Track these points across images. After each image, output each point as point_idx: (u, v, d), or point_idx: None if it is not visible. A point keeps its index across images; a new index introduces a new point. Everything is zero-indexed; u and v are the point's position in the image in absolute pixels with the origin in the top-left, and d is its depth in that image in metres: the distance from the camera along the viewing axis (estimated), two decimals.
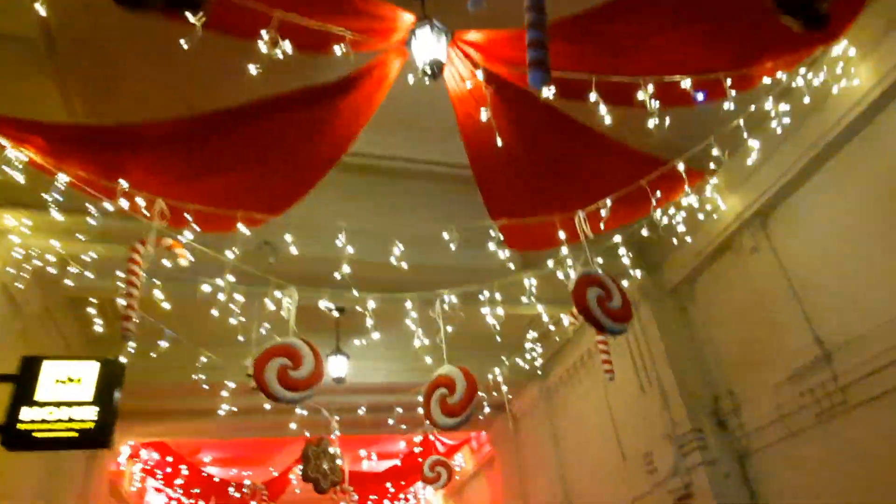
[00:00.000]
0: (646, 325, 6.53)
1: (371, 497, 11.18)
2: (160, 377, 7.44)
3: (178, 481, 9.17)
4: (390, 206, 6.54)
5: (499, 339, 5.78)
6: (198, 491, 9.31)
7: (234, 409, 7.82)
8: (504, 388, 7.36)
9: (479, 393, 6.27)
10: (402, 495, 12.51)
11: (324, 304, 5.29)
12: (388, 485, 11.40)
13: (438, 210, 6.31)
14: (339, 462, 6.00)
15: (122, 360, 5.00)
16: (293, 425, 8.19)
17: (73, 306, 6.68)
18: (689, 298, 6.42)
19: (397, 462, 10.62)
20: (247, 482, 9.07)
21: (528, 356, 7.43)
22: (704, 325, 6.21)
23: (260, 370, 3.76)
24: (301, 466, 5.71)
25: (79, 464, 7.51)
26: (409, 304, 6.14)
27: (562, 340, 8.02)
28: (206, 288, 4.96)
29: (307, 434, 10.97)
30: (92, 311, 5.92)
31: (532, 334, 7.23)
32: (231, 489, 9.13)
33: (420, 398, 4.43)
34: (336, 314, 5.99)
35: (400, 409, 8.14)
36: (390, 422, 8.27)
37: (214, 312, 5.22)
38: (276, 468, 10.87)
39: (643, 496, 6.38)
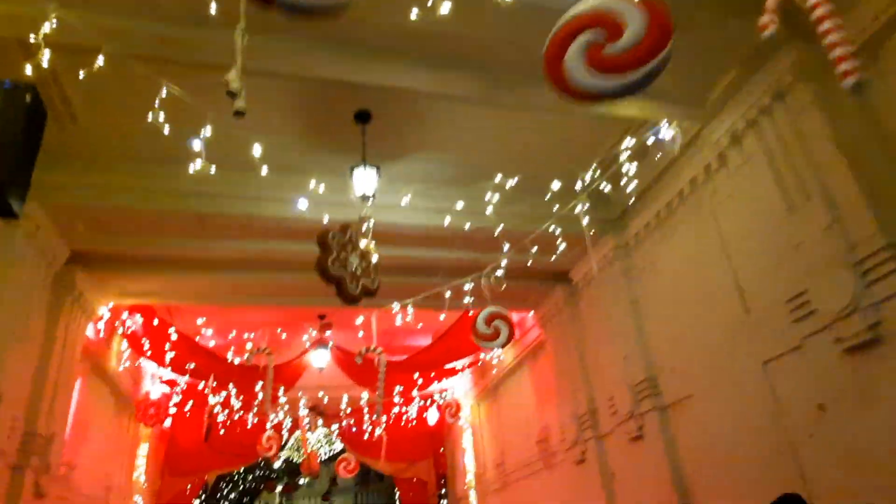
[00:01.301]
0: (799, 114, 4.60)
1: (395, 388, 9.73)
2: (139, 202, 5.70)
3: (169, 355, 7.63)
4: None
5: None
6: (192, 366, 7.80)
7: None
8: (585, 222, 5.56)
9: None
10: (430, 391, 11.09)
11: None
12: (416, 375, 9.91)
13: None
14: (374, 261, 4.26)
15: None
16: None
17: None
18: (872, 65, 4.37)
19: (431, 342, 9.11)
20: (248, 346, 7.51)
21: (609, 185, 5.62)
22: None
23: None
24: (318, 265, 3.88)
25: (35, 321, 5.87)
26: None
27: (651, 175, 6.16)
28: None
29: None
30: None
31: (628, 144, 5.36)
32: (229, 355, 7.67)
33: None
34: None
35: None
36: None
37: None
38: (291, 353, 9.37)
39: (786, 353, 4.65)
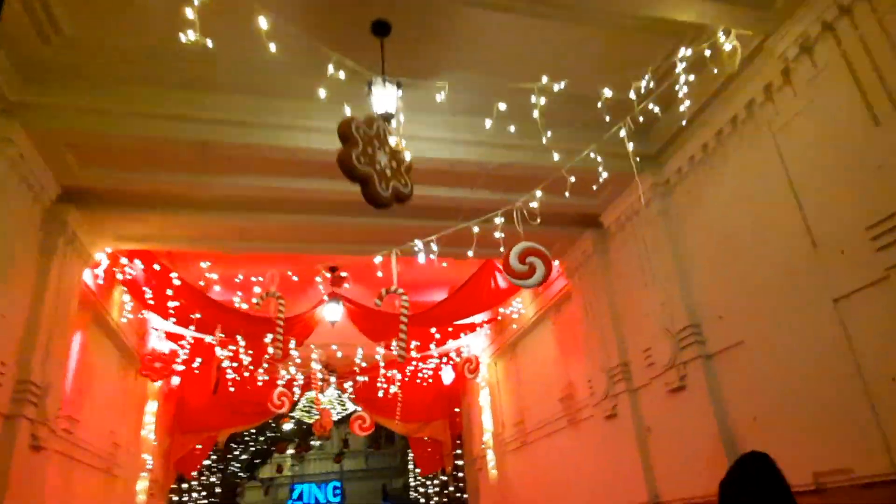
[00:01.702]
0: (888, 13, 3.97)
1: (411, 344, 9.29)
2: (134, 128, 5.16)
3: (173, 304, 7.18)
4: None
5: None
6: (198, 317, 7.35)
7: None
8: (630, 147, 4.97)
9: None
10: (447, 348, 10.66)
11: None
12: (433, 330, 9.46)
13: None
14: (406, 160, 3.66)
15: None
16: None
17: None
18: None
19: (449, 295, 8.63)
20: (257, 289, 7.02)
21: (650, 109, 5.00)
22: None
23: None
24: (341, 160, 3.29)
25: (25, 262, 5.38)
26: None
27: (699, 101, 5.53)
28: None
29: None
30: None
31: (683, 55, 4.73)
32: (236, 300, 7.20)
33: None
34: None
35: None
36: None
37: None
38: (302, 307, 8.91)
39: (865, 287, 4.10)
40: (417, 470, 12.83)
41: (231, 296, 8.00)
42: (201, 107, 5.15)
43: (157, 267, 6.98)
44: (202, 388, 10.80)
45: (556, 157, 5.27)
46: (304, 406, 15.05)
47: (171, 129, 5.13)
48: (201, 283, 7.62)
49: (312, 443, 25.65)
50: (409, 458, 14.66)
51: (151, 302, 7.29)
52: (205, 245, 6.96)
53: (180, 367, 9.28)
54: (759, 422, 5.04)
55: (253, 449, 17.55)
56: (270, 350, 7.71)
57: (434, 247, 5.33)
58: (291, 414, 14.84)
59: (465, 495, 11.44)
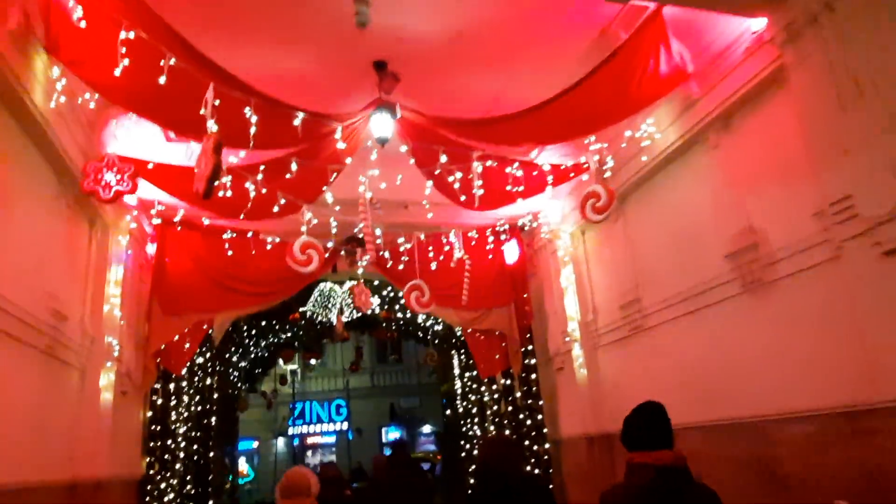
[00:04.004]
0: None
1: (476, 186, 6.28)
2: None
3: (125, 63, 3.99)
4: None
5: None
6: (164, 82, 4.20)
7: None
8: None
9: None
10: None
11: None
12: (517, 169, 6.44)
13: None
14: None
15: None
16: None
17: None
18: None
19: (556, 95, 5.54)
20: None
21: None
22: None
23: None
24: None
25: None
26: None
27: None
28: None
29: None
30: None
31: None
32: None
33: None
34: None
35: None
36: None
37: None
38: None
39: None
40: (470, 374, 10.13)
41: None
42: None
43: None
44: (189, 252, 7.83)
45: None
46: (319, 301, 12.22)
47: None
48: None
49: (316, 364, 23.12)
50: (455, 360, 11.99)
51: (89, 64, 4.12)
52: None
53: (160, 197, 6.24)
54: None
55: (253, 356, 14.89)
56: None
57: None
58: (303, 308, 12.00)
59: (540, 401, 8.79)
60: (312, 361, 24.68)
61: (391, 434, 26.80)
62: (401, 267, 8.41)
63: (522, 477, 3.72)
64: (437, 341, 14.18)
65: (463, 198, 6.67)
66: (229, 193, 5.45)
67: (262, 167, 5.54)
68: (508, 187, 6.70)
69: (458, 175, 6.46)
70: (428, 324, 13.72)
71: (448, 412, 13.97)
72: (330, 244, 7.59)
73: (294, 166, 5.48)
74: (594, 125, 5.91)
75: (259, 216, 6.54)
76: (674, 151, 6.43)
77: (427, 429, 27.07)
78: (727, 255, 5.79)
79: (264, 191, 5.64)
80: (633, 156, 6.83)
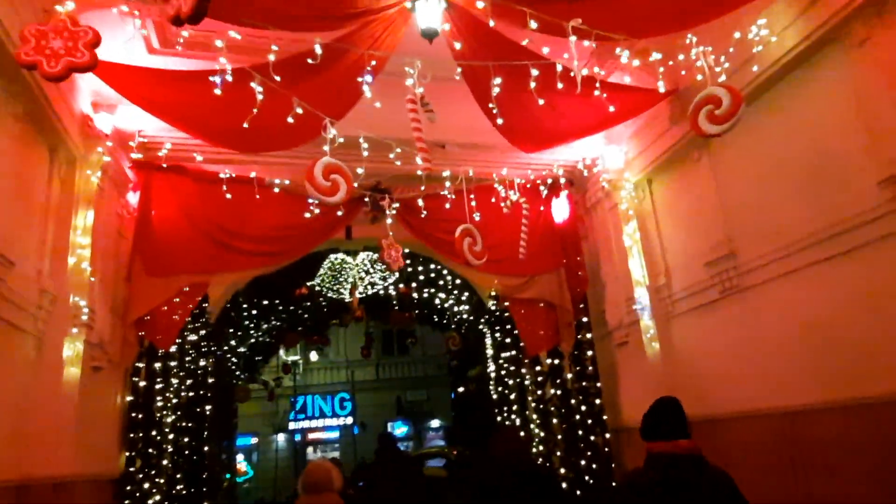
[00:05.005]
0: None
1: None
2: None
3: None
4: None
5: None
6: None
7: None
8: None
9: None
10: None
11: None
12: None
13: None
14: None
15: None
16: None
17: None
18: None
19: None
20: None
21: None
22: None
23: None
24: None
25: None
26: None
27: None
28: None
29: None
30: None
31: None
32: None
33: None
34: None
35: None
36: None
37: None
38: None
39: None
40: (507, 354, 8.70)
41: None
42: None
43: None
44: (179, 198, 6.41)
45: None
46: (326, 275, 10.80)
47: None
48: None
49: (321, 351, 21.68)
50: (487, 339, 10.54)
51: None
52: None
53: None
54: None
55: (253, 341, 13.48)
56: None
57: None
58: (310, 283, 10.59)
59: (597, 383, 7.38)
60: (314, 357, 23.43)
61: (398, 429, 25.40)
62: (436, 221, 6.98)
63: (531, 470, 3.97)
64: (458, 324, 12.80)
65: (514, 133, 5.28)
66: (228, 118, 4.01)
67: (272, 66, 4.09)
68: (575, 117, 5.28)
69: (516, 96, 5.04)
70: (448, 304, 12.37)
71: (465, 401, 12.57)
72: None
73: (318, 48, 4.03)
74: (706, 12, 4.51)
75: (268, 143, 5.12)
76: (796, 57, 5.02)
77: (435, 423, 25.73)
78: (881, 182, 4.40)
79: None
80: (737, 67, 5.41)
